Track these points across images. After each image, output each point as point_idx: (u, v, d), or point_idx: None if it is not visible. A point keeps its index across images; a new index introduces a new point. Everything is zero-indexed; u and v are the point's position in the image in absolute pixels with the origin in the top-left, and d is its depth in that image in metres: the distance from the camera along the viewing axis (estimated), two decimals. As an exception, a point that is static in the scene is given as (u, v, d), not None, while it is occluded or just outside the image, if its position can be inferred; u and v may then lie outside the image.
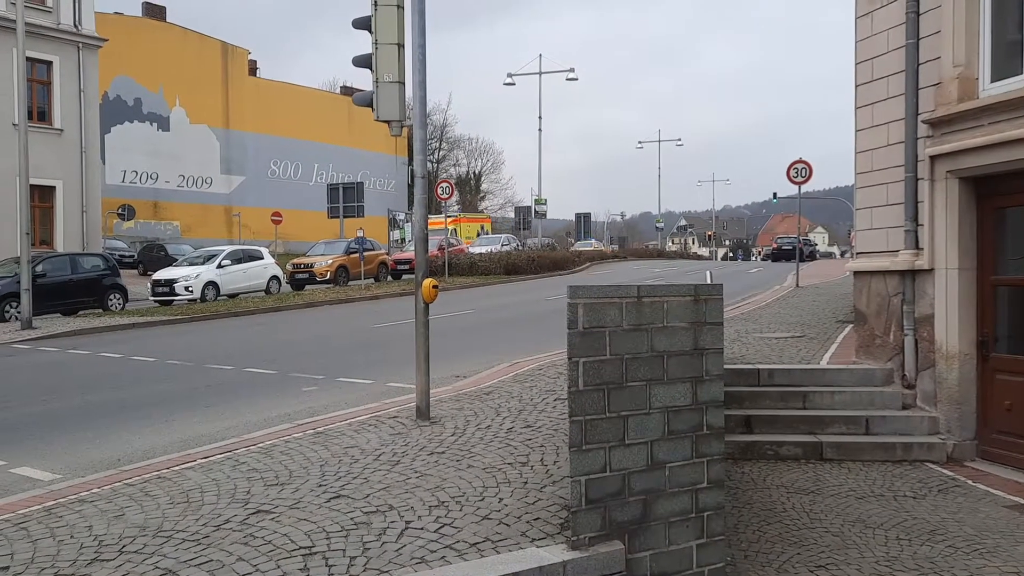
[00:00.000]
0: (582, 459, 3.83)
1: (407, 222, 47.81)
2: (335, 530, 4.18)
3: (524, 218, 44.25)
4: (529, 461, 5.31)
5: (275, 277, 25.41)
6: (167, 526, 4.34)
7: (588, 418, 3.84)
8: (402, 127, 6.23)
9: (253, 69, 57.26)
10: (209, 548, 4.00)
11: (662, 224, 67.25)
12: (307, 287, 26.12)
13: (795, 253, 24.16)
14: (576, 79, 40.86)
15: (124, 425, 7.48)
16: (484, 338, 12.98)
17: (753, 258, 78.27)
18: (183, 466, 5.54)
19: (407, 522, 4.26)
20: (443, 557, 3.82)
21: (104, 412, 8.15)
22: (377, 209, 46.62)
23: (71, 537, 4.22)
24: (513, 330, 13.64)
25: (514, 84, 41.95)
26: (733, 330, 10.26)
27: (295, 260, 28.02)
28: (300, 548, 3.96)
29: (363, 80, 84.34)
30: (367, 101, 6.45)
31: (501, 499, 4.59)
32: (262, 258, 25.49)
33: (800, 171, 19.25)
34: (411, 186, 65.34)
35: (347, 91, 64.59)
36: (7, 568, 3.83)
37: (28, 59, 18.48)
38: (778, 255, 48.22)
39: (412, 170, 9.25)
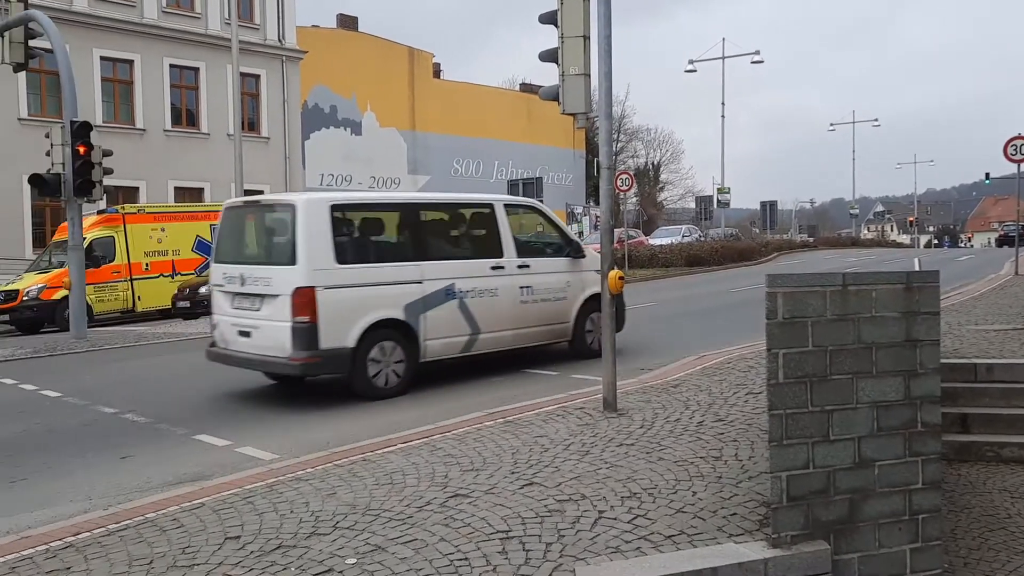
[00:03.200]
0: (783, 454, 3.69)
1: (584, 215, 47.97)
2: (530, 516, 4.27)
3: (705, 208, 43.22)
4: (722, 456, 5.18)
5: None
6: (374, 505, 4.60)
7: (789, 412, 3.70)
8: (588, 119, 6.24)
9: (437, 72, 59.42)
10: (413, 528, 4.21)
11: (856, 210, 63.44)
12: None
13: (1016, 239, 22.12)
14: (761, 62, 39.39)
15: (330, 410, 8.00)
16: (668, 331, 12.80)
17: (962, 245, 72.23)
18: (385, 450, 5.86)
19: (600, 512, 4.28)
20: (638, 548, 3.80)
21: (310, 396, 8.76)
22: (555, 203, 47.03)
23: (291, 512, 4.57)
24: (698, 323, 13.37)
25: (695, 71, 41.01)
26: (944, 322, 9.48)
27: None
28: (497, 532, 4.08)
29: (542, 76, 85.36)
30: (553, 95, 6.53)
31: (695, 493, 4.51)
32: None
33: (1020, 148, 17.55)
34: (588, 179, 65.49)
35: (526, 88, 65.58)
36: (238, 537, 4.21)
37: (241, 74, 20.21)
38: (1002, 241, 46.95)
39: (597, 162, 9.27)
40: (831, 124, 58.97)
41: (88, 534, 4.41)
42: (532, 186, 28.70)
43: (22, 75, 21.75)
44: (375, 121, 53.17)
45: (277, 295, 8.00)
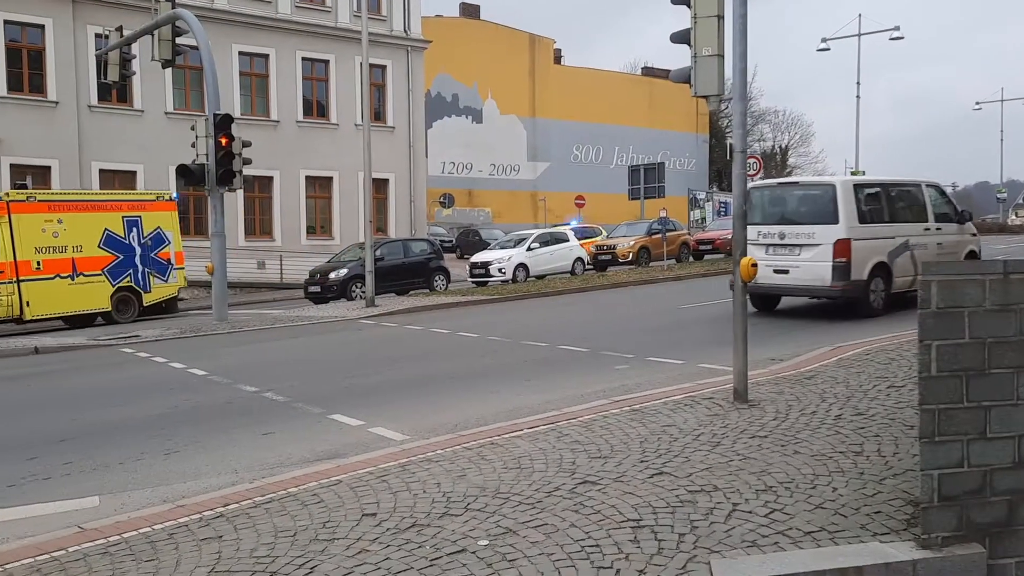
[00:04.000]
0: (935, 451, 3.49)
1: (707, 201, 46.85)
2: (661, 505, 4.22)
3: (836, 193, 41.39)
4: (864, 451, 4.96)
5: (580, 259, 26.22)
6: (504, 488, 4.66)
7: (942, 407, 3.49)
8: (719, 101, 6.07)
9: (558, 58, 59.34)
10: (543, 512, 4.23)
11: (1004, 194, 59.39)
12: (610, 268, 26.64)
13: None
14: (901, 38, 37.24)
15: (456, 394, 8.16)
16: (798, 320, 12.37)
17: None
18: (512, 434, 5.91)
19: (734, 504, 4.18)
20: (776, 543, 3.69)
21: (437, 381, 8.96)
22: (677, 189, 46.17)
23: (423, 492, 4.69)
24: (830, 312, 12.83)
25: (828, 49, 39.22)
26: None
27: (598, 242, 28.66)
28: (628, 520, 4.05)
29: (666, 60, 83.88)
30: (684, 77, 6.38)
31: (835, 488, 4.33)
32: (568, 240, 26.39)
33: None
34: (711, 164, 63.92)
35: (648, 72, 64.61)
36: (375, 514, 4.35)
37: (376, 66, 20.80)
38: None
39: (730, 145, 9.03)
40: (977, 103, 55.26)
41: (236, 505, 4.66)
42: (654, 172, 28.28)
43: (168, 71, 23.10)
44: (495, 108, 53.64)
45: (820, 244, 11.61)
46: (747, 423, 5.76)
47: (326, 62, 30.34)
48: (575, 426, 6.03)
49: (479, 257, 25.47)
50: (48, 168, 25.23)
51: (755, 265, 6.21)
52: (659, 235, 25.85)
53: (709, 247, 28.22)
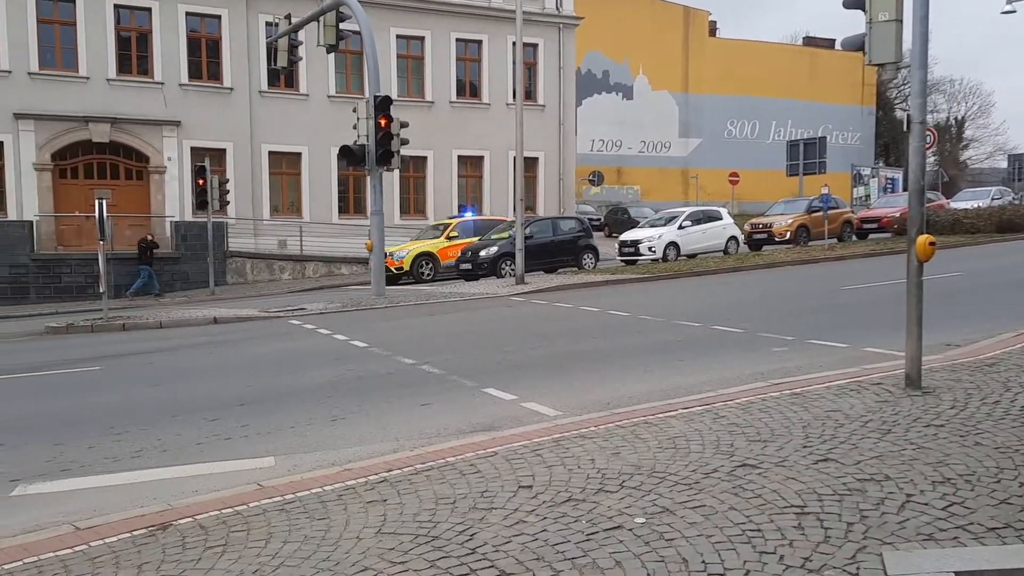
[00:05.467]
0: None
1: (873, 177, 44.29)
2: (827, 493, 4.05)
3: (1019, 167, 38.11)
4: (1056, 445, 4.56)
5: (733, 238, 25.45)
6: (659, 468, 4.61)
7: None
8: (896, 69, 5.68)
9: (713, 30, 57.62)
10: (700, 494, 4.15)
11: None
12: (765, 248, 25.72)
13: None
14: (1099, -5, 33.56)
15: (608, 372, 8.13)
16: (977, 303, 11.51)
17: None
18: (666, 414, 5.84)
19: (908, 495, 3.95)
20: (955, 538, 3.46)
21: (588, 358, 8.96)
22: (839, 164, 43.90)
23: (578, 467, 4.71)
24: (1013, 296, 11.88)
25: (1014, 11, 35.94)
26: None
27: (753, 220, 27.72)
28: (791, 506, 3.91)
29: (828, 29, 79.72)
30: (857, 44, 6.03)
31: (1022, 484, 4.01)
32: (721, 219, 25.67)
33: None
34: (878, 138, 60.29)
35: (810, 42, 61.67)
36: (530, 487, 4.41)
37: (527, 45, 20.87)
38: None
39: (908, 116, 8.46)
40: None
41: (399, 471, 4.85)
42: (814, 146, 27.02)
43: (331, 56, 24.14)
44: (647, 84, 52.76)
45: None
46: (921, 411, 5.43)
47: (479, 42, 30.79)
48: (732, 408, 5.88)
49: (628, 235, 25.20)
50: (223, 151, 27.02)
51: (933, 243, 5.80)
52: (819, 213, 24.69)
53: (874, 226, 26.72)
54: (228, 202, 24.45)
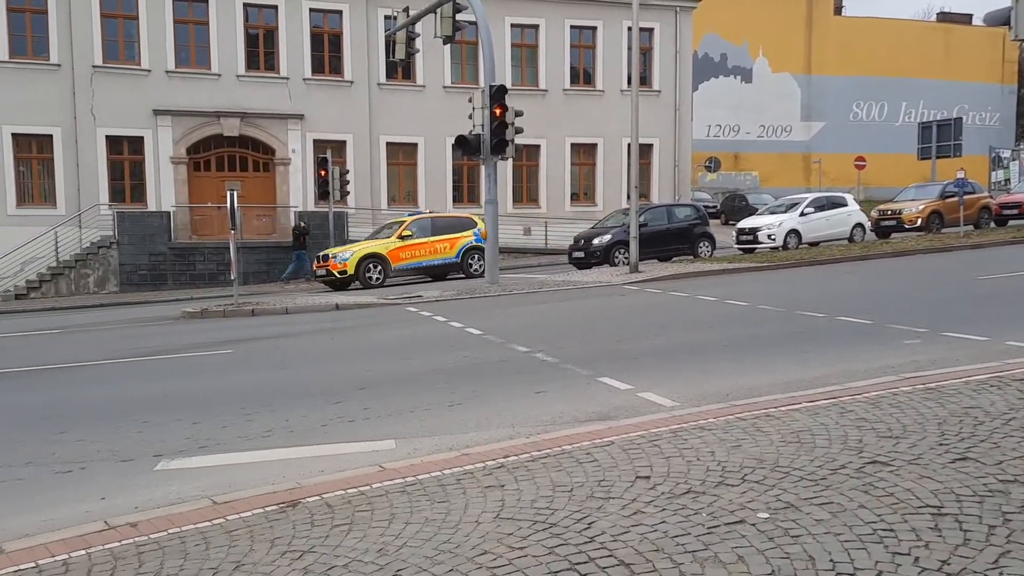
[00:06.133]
0: None
1: (1013, 159, 41.54)
2: (966, 494, 3.82)
3: None
4: None
5: (859, 225, 24.39)
6: (783, 462, 4.47)
7: None
8: (1047, 42, 5.28)
9: (838, 8, 55.20)
10: (827, 490, 4.00)
11: None
12: (894, 235, 24.53)
13: None
14: None
15: (726, 363, 7.95)
16: None
17: None
18: (789, 407, 5.65)
19: (1057, 500, 3.69)
20: (1113, 548, 3.21)
21: (705, 349, 8.79)
22: (976, 147, 41.38)
23: (697, 459, 4.62)
24: None
25: None
26: None
27: (881, 206, 26.46)
28: (927, 506, 3.71)
29: (964, 3, 75.17)
30: (1002, 19, 5.64)
31: None
32: (846, 205, 24.64)
33: None
34: (1020, 118, 56.38)
35: (944, 18, 58.24)
36: (648, 477, 4.36)
37: (643, 29, 20.56)
38: None
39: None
40: None
41: (515, 458, 4.89)
42: (949, 128, 25.60)
43: (447, 47, 24.50)
44: (767, 67, 51.11)
45: None
46: (1071, 410, 5.05)
47: (593, 29, 30.57)
48: (860, 402, 5.63)
49: (747, 223, 24.53)
50: (344, 142, 27.89)
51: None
52: (954, 199, 23.32)
53: (1015, 212, 25.05)
54: (348, 192, 25.25)
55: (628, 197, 24.69)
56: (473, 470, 4.70)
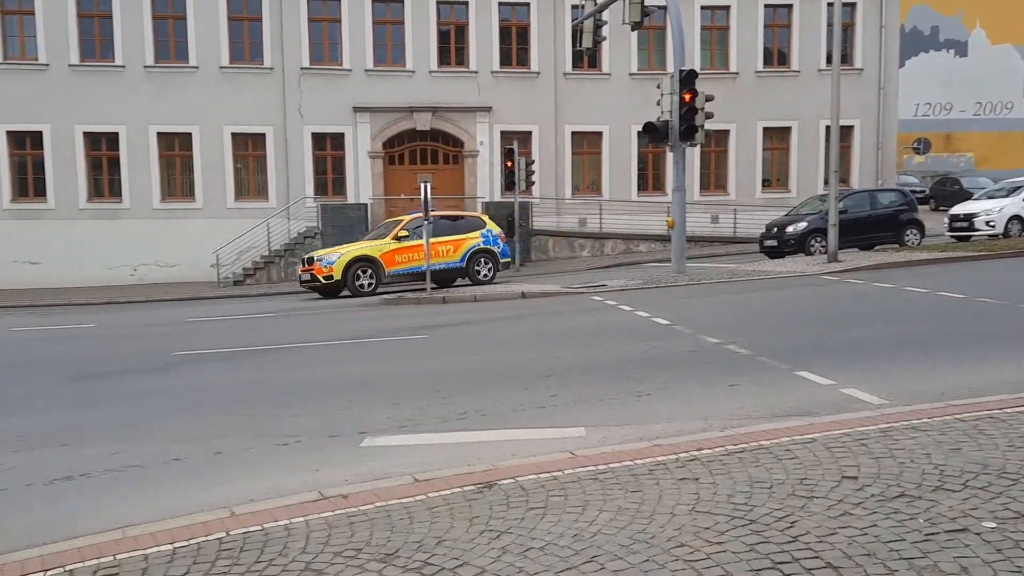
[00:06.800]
0: None
1: None
2: None
3: None
4: None
5: (1098, 209, 21.76)
6: (1010, 469, 4.07)
7: None
8: None
9: (1070, -32, 49.41)
10: (1067, 503, 3.61)
11: None
12: None
13: None
14: None
15: (938, 359, 7.37)
16: None
17: None
18: (1016, 409, 5.15)
19: None
20: None
21: (915, 343, 8.18)
22: None
23: (911, 461, 4.30)
24: None
25: None
26: None
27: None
28: None
29: None
30: None
31: None
32: (1082, 187, 22.07)
33: None
34: None
35: None
36: (856, 478, 4.11)
37: (845, 4, 19.26)
38: None
39: None
40: None
41: (709, 451, 4.76)
42: None
43: (633, 34, 24.22)
44: (984, 38, 46.71)
45: None
46: None
47: (789, 7, 29.17)
48: (1104, 407, 5.04)
49: (961, 208, 22.54)
50: (529, 133, 28.29)
51: None
52: None
53: None
54: (533, 182, 25.60)
55: (826, 182, 23.43)
56: (666, 461, 4.63)
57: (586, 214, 28.33)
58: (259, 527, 3.93)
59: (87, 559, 3.65)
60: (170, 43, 26.74)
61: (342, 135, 27.72)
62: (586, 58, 26.88)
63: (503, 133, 27.97)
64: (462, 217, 20.57)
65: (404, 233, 18.79)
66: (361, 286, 18.35)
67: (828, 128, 18.61)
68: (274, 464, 5.36)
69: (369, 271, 18.43)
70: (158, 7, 26.43)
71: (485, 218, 20.38)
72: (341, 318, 14.58)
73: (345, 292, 18.57)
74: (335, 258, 18.34)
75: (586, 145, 29.11)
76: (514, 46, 28.40)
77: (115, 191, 26.89)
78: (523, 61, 28.43)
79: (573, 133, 28.74)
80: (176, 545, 3.76)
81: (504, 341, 10.74)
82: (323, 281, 18.36)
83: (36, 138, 26.26)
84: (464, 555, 3.48)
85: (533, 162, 25.90)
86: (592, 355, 8.82)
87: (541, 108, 28.20)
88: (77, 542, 3.88)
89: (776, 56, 29.65)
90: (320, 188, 27.82)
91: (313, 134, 27.53)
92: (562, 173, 28.71)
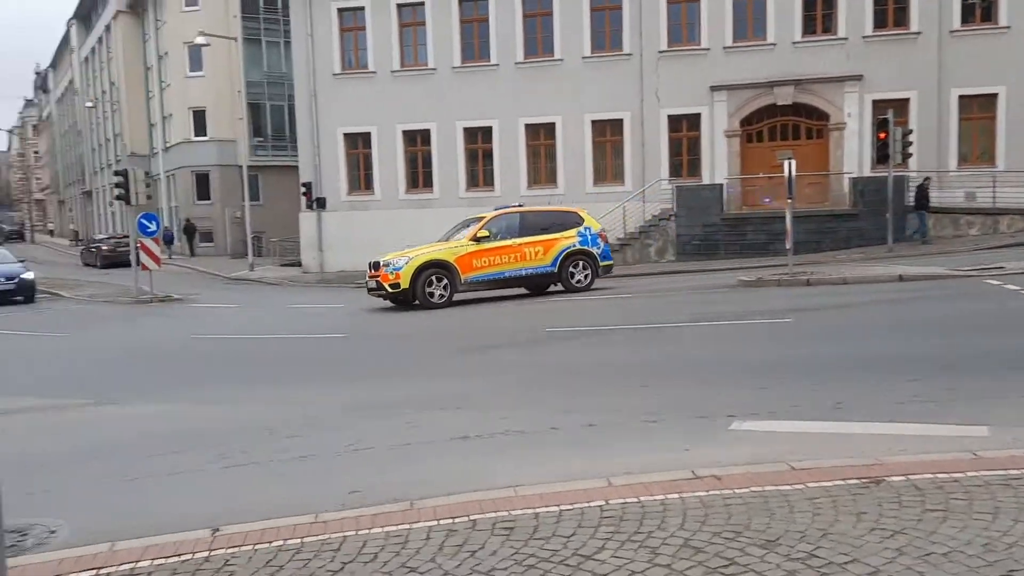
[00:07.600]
0: None
1: None
2: None
3: None
4: None
5: None
6: None
7: None
8: None
9: None
10: None
11: None
12: None
13: None
14: None
15: None
16: None
17: None
18: None
19: None
20: None
21: None
22: None
23: None
24: None
25: None
26: None
27: None
28: None
29: None
30: None
31: None
32: None
33: None
34: None
35: None
36: None
37: None
38: None
39: None
40: None
41: None
42: None
43: None
44: None
45: None
46: None
47: None
48: None
49: None
50: (906, 100, 25.71)
51: None
52: None
53: None
54: (910, 154, 23.21)
55: None
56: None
57: (975, 188, 25.03)
58: (636, 499, 4.04)
59: (486, 511, 4.03)
60: (537, 39, 28.49)
61: (698, 115, 27.47)
62: (978, 12, 23.68)
63: (875, 102, 25.71)
64: (556, 212, 18.12)
65: (484, 233, 16.42)
66: (431, 295, 15.77)
67: None
68: (643, 440, 5.48)
69: (443, 280, 15.88)
70: (527, 5, 28.26)
71: (584, 214, 17.85)
72: (701, 299, 14.52)
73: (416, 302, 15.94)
74: (402, 263, 15.80)
75: (976, 109, 25.73)
76: (890, 5, 25.90)
77: (488, 180, 29.34)
78: (900, 22, 25.84)
79: (961, 97, 25.55)
80: (562, 507, 4.00)
81: (880, 327, 9.89)
82: (389, 289, 15.88)
83: (425, 135, 29.60)
84: (853, 552, 3.26)
85: (910, 132, 23.45)
86: (992, 345, 7.80)
87: (921, 72, 25.44)
88: (476, 495, 4.30)
89: (979, 12, 23.69)
90: (674, 170, 27.86)
91: (669, 116, 27.62)
92: (945, 143, 25.69)
